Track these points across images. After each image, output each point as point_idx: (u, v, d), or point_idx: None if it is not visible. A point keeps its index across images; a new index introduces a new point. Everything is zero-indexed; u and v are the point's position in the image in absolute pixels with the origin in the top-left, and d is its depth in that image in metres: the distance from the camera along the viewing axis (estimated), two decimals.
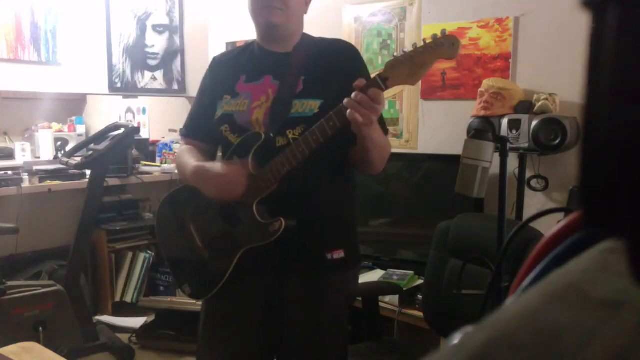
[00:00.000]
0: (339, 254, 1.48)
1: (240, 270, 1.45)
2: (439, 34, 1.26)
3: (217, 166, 1.43)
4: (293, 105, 1.42)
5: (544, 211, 0.88)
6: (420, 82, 2.93)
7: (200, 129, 1.58)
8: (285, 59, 1.48)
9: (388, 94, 3.13)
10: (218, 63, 1.61)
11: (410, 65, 1.27)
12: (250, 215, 1.41)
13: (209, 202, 1.47)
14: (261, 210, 1.41)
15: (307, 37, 1.54)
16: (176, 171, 1.70)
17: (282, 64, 1.48)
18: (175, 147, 3.61)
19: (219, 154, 1.62)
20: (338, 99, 1.32)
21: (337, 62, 1.47)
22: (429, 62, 1.27)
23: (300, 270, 1.47)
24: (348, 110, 1.26)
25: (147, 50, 3.85)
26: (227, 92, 1.51)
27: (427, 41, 1.26)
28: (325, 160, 1.42)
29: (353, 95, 1.26)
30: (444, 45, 1.25)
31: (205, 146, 1.60)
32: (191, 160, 1.49)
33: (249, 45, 1.59)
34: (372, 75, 1.35)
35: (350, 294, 1.61)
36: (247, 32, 3.52)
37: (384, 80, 1.28)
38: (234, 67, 1.55)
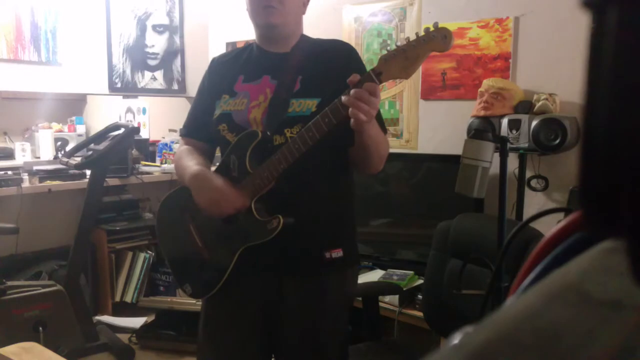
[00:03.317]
0: (337, 253, 1.48)
1: (239, 269, 1.45)
2: (432, 27, 1.27)
3: (217, 180, 1.41)
4: (290, 105, 1.43)
5: (544, 211, 0.88)
6: (420, 82, 2.95)
7: (200, 129, 1.59)
8: (284, 58, 1.49)
9: (388, 94, 3.14)
10: (217, 63, 1.62)
11: (403, 59, 1.28)
12: (247, 213, 1.41)
13: None
14: (259, 208, 1.41)
15: (305, 38, 1.55)
16: (175, 172, 1.68)
17: (280, 64, 1.48)
18: (175, 147, 3.61)
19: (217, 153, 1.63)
20: (335, 98, 1.33)
21: (334, 62, 1.48)
22: (422, 55, 1.29)
23: (298, 269, 1.48)
24: (343, 100, 1.27)
25: (147, 50, 3.85)
26: (226, 92, 1.51)
27: (420, 34, 1.28)
28: (324, 159, 1.43)
29: (352, 92, 1.26)
30: (437, 37, 1.26)
31: (205, 146, 1.60)
32: (191, 163, 1.49)
33: (248, 46, 1.60)
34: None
35: (349, 293, 1.60)
36: (247, 32, 3.52)
37: (378, 75, 1.29)
38: (232, 67, 1.56)
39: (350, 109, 1.26)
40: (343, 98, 1.28)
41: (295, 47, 1.51)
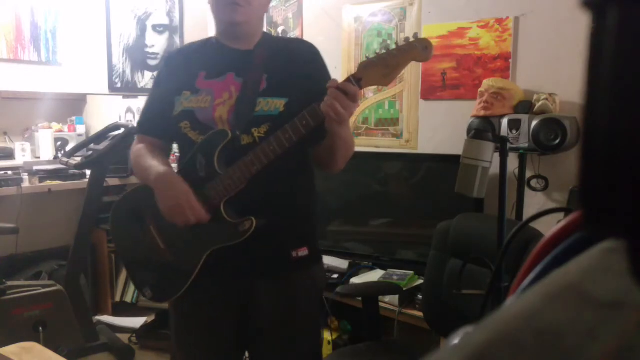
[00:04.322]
0: (303, 252, 1.49)
1: (206, 271, 1.42)
2: (412, 37, 1.30)
3: (184, 186, 1.37)
4: (258, 104, 1.41)
5: (544, 211, 0.88)
6: (420, 82, 2.95)
7: (157, 126, 1.53)
8: (248, 56, 1.46)
9: (388, 94, 3.14)
10: (174, 58, 1.57)
11: (383, 67, 1.31)
12: (217, 215, 1.38)
13: None
14: (227, 210, 1.39)
15: (267, 36, 1.54)
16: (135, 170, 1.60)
17: (244, 62, 1.46)
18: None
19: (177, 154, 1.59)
20: (302, 98, 1.36)
21: (299, 62, 1.48)
22: (402, 64, 1.31)
23: (268, 270, 1.47)
24: (322, 105, 1.28)
25: (147, 50, 3.86)
26: (187, 88, 1.46)
27: (400, 43, 1.30)
28: (289, 159, 1.40)
29: (329, 92, 1.28)
30: (417, 48, 1.29)
31: (161, 143, 1.56)
32: (154, 162, 1.45)
33: (206, 41, 1.56)
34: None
35: (319, 289, 1.62)
36: None
37: (358, 81, 1.30)
38: (192, 62, 1.50)
39: (324, 108, 1.28)
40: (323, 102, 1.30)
41: (259, 44, 1.49)
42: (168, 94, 1.49)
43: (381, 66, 1.30)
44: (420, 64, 2.92)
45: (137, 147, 1.55)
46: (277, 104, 1.41)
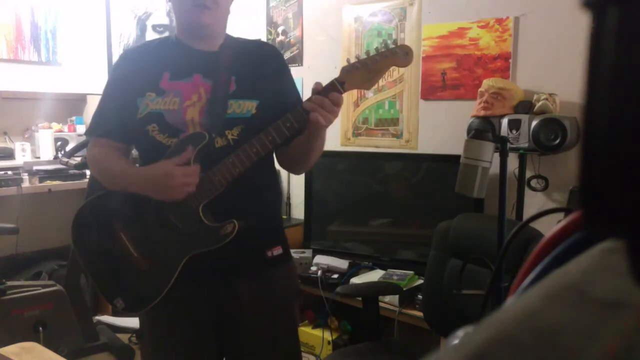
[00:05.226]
0: (277, 251, 1.50)
1: (183, 274, 1.39)
2: (391, 44, 1.34)
3: (162, 167, 1.34)
4: (229, 106, 1.40)
5: (544, 211, 0.88)
6: (420, 82, 2.95)
7: (118, 128, 1.45)
8: (214, 57, 1.45)
9: (388, 94, 3.14)
10: (132, 57, 1.51)
11: (365, 71, 1.34)
12: (194, 220, 1.36)
13: (142, 209, 1.41)
14: (206, 214, 1.37)
15: (230, 37, 1.53)
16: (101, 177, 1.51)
17: (210, 63, 1.44)
18: None
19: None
20: (272, 100, 1.41)
21: (265, 63, 1.49)
22: (383, 69, 1.36)
23: (245, 270, 1.47)
24: (308, 108, 1.31)
25: None
26: (150, 89, 1.41)
27: (381, 49, 1.34)
28: (261, 161, 1.39)
29: (314, 98, 1.31)
30: (398, 53, 1.33)
31: (122, 146, 1.49)
32: (122, 164, 1.43)
33: (165, 40, 1.53)
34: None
35: (296, 286, 1.63)
36: (245, 32, 3.52)
37: (341, 84, 1.34)
38: (153, 62, 1.46)
39: (311, 114, 1.30)
40: (306, 104, 1.32)
41: (223, 46, 1.47)
42: (129, 95, 1.43)
43: (363, 70, 1.34)
44: (421, 64, 2.93)
45: (95, 152, 1.49)
46: (248, 106, 1.41)
